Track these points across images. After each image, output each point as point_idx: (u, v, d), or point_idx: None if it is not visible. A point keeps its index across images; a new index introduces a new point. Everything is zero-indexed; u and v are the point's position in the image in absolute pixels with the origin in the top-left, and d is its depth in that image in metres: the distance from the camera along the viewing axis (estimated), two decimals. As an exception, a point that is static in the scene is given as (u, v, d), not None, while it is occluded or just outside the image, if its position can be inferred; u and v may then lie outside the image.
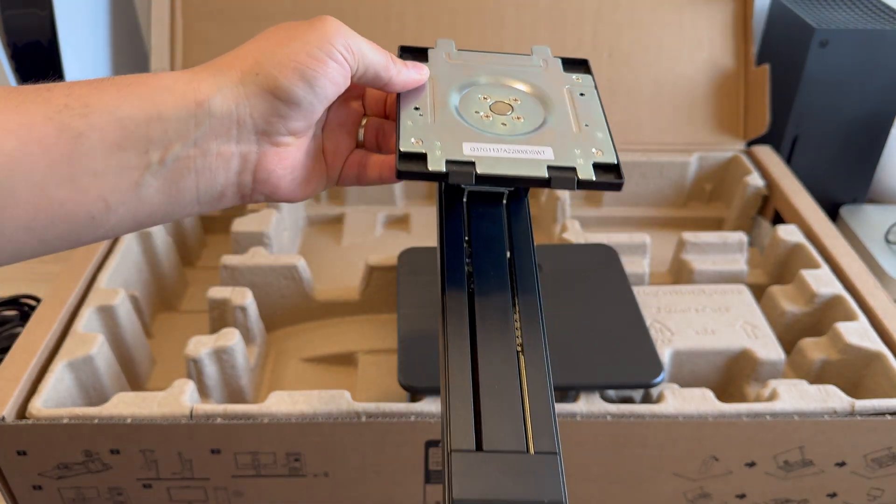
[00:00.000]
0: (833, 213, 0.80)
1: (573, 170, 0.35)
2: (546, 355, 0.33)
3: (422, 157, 0.35)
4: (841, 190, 0.81)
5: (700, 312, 0.58)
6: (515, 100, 0.40)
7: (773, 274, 0.67)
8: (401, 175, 0.35)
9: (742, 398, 0.55)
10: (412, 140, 0.36)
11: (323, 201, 0.79)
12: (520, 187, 0.39)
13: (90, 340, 0.52)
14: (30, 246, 0.29)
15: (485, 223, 0.37)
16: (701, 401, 0.49)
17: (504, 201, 0.39)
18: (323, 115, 0.38)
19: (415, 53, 0.43)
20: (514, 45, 0.77)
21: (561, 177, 0.35)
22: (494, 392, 0.32)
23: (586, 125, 0.39)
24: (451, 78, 0.41)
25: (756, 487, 0.51)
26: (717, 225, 0.79)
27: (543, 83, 0.41)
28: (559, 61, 0.44)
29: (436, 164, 0.35)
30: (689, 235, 0.65)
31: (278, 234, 0.67)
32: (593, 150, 0.37)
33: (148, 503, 0.51)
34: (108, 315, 0.56)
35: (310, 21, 0.34)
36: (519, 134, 0.37)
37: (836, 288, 0.59)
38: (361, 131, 0.40)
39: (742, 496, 0.52)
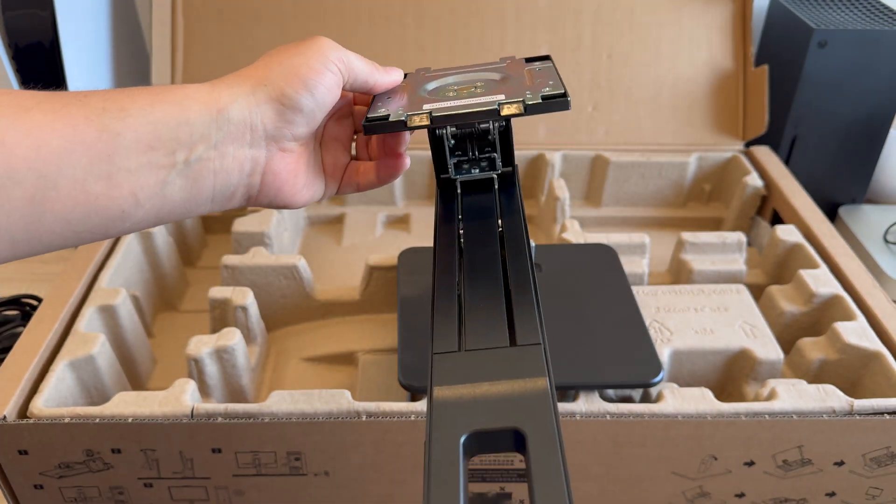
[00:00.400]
0: (832, 213, 0.81)
1: (522, 101, 0.39)
2: (530, 259, 0.36)
3: (385, 118, 0.40)
4: (839, 190, 0.81)
5: (699, 312, 0.59)
6: (480, 84, 0.44)
7: (771, 274, 0.67)
8: (367, 129, 0.40)
9: (741, 398, 0.55)
10: (379, 108, 0.41)
11: (323, 201, 0.79)
12: (508, 175, 0.42)
13: (91, 340, 0.52)
14: (63, 237, 0.31)
15: (476, 202, 0.41)
16: (700, 400, 0.49)
17: (496, 186, 0.42)
18: (321, 129, 0.43)
19: None
20: (515, 45, 0.77)
21: (509, 101, 0.39)
22: (478, 297, 0.35)
23: (539, 81, 0.42)
24: (424, 81, 0.45)
25: (755, 487, 0.51)
26: (715, 225, 0.79)
27: (502, 71, 0.45)
28: (523, 59, 0.47)
29: (396, 118, 0.40)
30: (688, 235, 0.65)
31: (279, 234, 0.68)
32: (543, 89, 0.40)
33: (149, 502, 0.51)
34: (109, 315, 0.56)
35: (306, 41, 0.39)
36: (477, 95, 0.42)
37: (835, 288, 0.59)
38: (354, 145, 0.46)
39: (741, 495, 0.52)
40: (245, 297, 0.57)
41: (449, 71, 0.47)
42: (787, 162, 0.79)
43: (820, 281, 0.60)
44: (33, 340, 0.51)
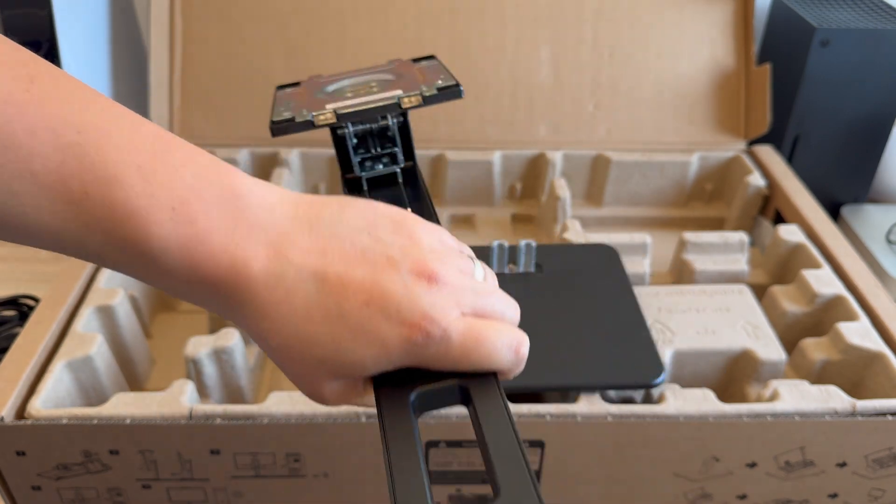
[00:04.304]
0: (834, 212, 0.80)
1: (419, 93, 0.41)
2: None
3: (291, 119, 0.41)
4: (842, 190, 0.81)
5: (701, 312, 0.58)
6: (374, 84, 0.45)
7: (774, 274, 0.66)
8: (275, 132, 0.41)
9: (743, 398, 0.55)
10: (284, 113, 0.42)
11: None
12: (410, 169, 0.44)
13: (89, 340, 0.52)
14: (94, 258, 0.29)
15: (384, 196, 0.41)
16: (702, 401, 0.49)
17: (400, 180, 0.43)
18: None
19: (291, 87, 0.49)
20: (515, 45, 0.77)
21: (408, 96, 0.41)
22: None
23: (430, 76, 0.44)
24: (320, 86, 0.46)
25: (757, 488, 0.51)
26: (718, 225, 0.78)
27: (394, 70, 0.47)
28: (410, 60, 0.49)
29: (302, 118, 0.41)
30: (690, 235, 0.65)
31: (278, 234, 0.67)
32: (438, 82, 0.42)
33: (147, 504, 0.51)
34: (107, 315, 0.56)
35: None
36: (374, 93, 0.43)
37: (838, 288, 0.59)
38: None
39: (743, 497, 0.52)
40: (244, 298, 0.57)
41: (343, 75, 0.48)
42: (789, 161, 0.78)
43: (822, 281, 0.59)
44: (31, 341, 0.51)
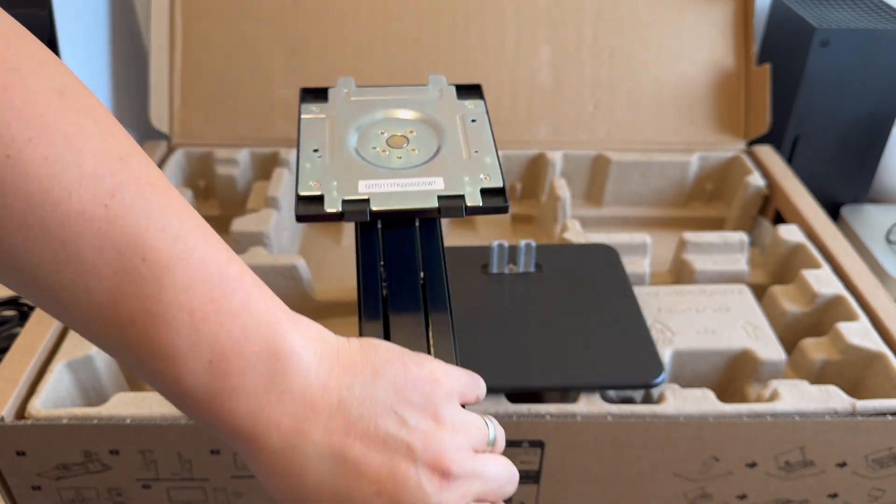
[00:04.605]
0: (834, 212, 0.80)
1: (462, 197, 0.38)
2: (456, 356, 0.36)
3: (319, 199, 0.37)
4: (842, 190, 0.81)
5: (701, 312, 0.58)
6: (411, 131, 0.42)
7: (774, 274, 0.66)
8: (300, 218, 0.37)
9: (743, 398, 0.55)
10: (310, 183, 0.38)
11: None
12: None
13: (89, 341, 0.52)
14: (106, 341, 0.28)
15: (398, 247, 0.39)
16: (702, 401, 0.49)
17: (416, 224, 0.39)
18: None
19: (315, 94, 0.44)
20: (515, 45, 0.77)
21: (450, 206, 0.37)
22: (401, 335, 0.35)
23: (476, 151, 0.40)
24: (349, 116, 0.42)
25: (757, 488, 0.51)
26: (717, 225, 0.78)
27: (437, 113, 0.43)
28: (454, 89, 0.45)
29: (332, 205, 0.37)
30: (689, 235, 0.65)
31: (278, 234, 0.67)
32: (482, 175, 0.39)
33: (147, 504, 0.51)
34: (107, 315, 0.56)
35: None
36: (413, 166, 0.39)
37: (838, 288, 0.59)
38: None
39: (743, 497, 0.52)
40: (244, 298, 0.57)
41: (374, 95, 0.44)
42: (789, 161, 0.78)
43: (822, 281, 0.59)
44: (31, 341, 0.51)
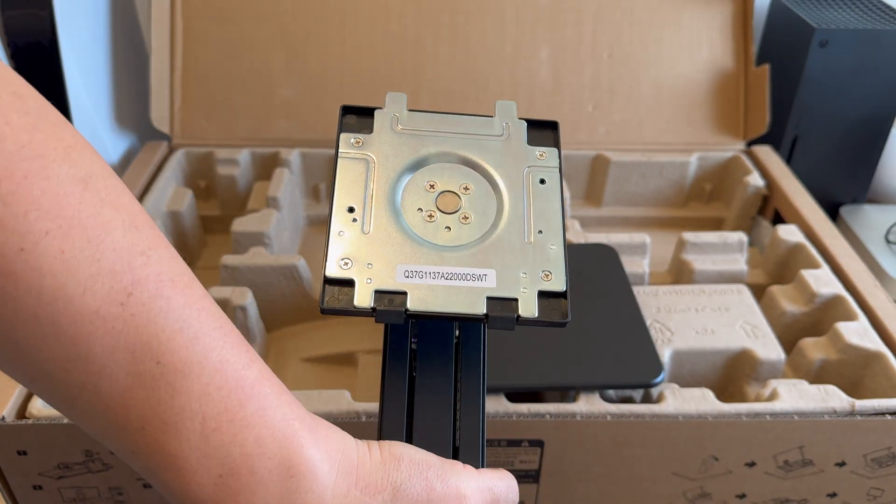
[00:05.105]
0: (833, 212, 0.80)
1: (514, 304, 0.32)
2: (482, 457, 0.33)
3: (348, 284, 0.32)
4: (841, 190, 0.81)
5: (700, 312, 0.58)
6: (466, 188, 0.35)
7: (773, 274, 0.67)
8: (324, 311, 0.32)
9: (742, 398, 0.55)
10: (340, 260, 0.33)
11: (323, 201, 0.79)
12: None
13: (90, 340, 0.52)
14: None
15: (431, 340, 0.35)
16: (701, 401, 0.49)
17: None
18: None
19: (359, 114, 0.37)
20: (515, 45, 0.77)
21: (499, 315, 0.32)
22: (428, 414, 0.33)
23: (539, 232, 0.34)
24: (395, 157, 0.36)
25: (756, 487, 0.51)
26: (717, 225, 0.79)
27: (502, 164, 0.36)
28: (524, 126, 0.38)
29: (363, 299, 0.32)
30: (689, 235, 0.65)
31: (278, 234, 0.67)
32: (541, 272, 0.33)
33: (148, 503, 0.51)
34: (108, 315, 0.56)
35: None
36: (462, 246, 0.34)
37: (836, 288, 0.59)
38: None
39: (742, 496, 0.52)
40: (244, 298, 0.57)
41: (428, 125, 0.37)
42: (788, 161, 0.78)
43: (821, 281, 0.59)
44: (32, 341, 0.51)
